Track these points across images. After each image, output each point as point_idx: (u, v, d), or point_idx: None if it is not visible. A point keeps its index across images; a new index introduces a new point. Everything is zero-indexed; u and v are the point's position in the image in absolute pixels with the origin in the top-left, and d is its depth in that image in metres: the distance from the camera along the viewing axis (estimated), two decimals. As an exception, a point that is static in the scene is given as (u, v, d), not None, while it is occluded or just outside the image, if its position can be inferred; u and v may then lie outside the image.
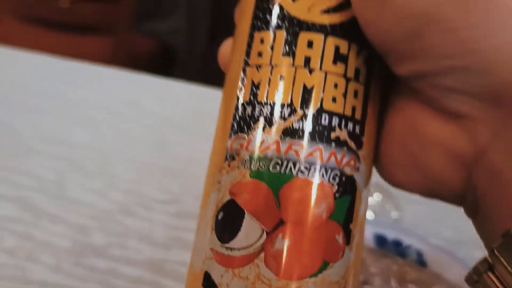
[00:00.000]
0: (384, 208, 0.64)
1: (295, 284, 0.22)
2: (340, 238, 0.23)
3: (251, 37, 0.24)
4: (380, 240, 0.47)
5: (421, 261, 0.46)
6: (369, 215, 0.62)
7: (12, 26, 1.58)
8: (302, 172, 0.22)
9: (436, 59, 0.21)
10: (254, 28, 0.24)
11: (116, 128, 0.77)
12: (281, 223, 0.22)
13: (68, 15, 1.55)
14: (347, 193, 0.23)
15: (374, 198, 0.64)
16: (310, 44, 0.23)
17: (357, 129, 0.23)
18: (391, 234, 0.47)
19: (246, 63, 0.24)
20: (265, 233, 0.22)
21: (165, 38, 1.81)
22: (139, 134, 0.76)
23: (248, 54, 0.24)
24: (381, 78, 0.25)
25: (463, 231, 0.56)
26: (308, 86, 0.23)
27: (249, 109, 0.23)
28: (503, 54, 0.20)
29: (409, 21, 0.21)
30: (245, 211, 0.22)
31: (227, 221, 0.22)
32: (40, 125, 0.75)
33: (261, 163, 0.22)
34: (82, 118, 0.78)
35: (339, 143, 0.23)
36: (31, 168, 0.66)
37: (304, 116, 0.22)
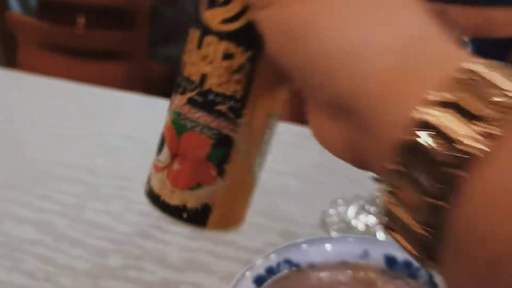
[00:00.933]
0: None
1: (178, 191, 0.36)
2: (213, 172, 0.36)
3: (191, 32, 0.37)
4: (391, 262, 0.48)
5: (432, 283, 0.47)
6: (380, 236, 0.62)
7: (33, 54, 1.63)
8: (194, 127, 0.35)
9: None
10: (194, 27, 0.37)
11: (134, 153, 0.79)
12: (177, 154, 0.36)
13: (83, 40, 1.60)
14: (223, 145, 0.36)
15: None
16: (209, 44, 0.35)
17: (237, 105, 0.35)
18: (401, 255, 0.48)
19: (186, 50, 0.37)
20: (170, 157, 0.37)
21: (179, 63, 1.85)
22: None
23: (187, 44, 0.37)
24: (265, 71, 0.35)
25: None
26: (205, 73, 0.35)
27: (178, 79, 0.37)
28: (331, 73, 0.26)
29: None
30: (165, 142, 0.37)
31: (160, 145, 0.38)
32: (62, 151, 0.78)
33: (175, 115, 0.36)
34: (102, 144, 0.81)
35: (220, 113, 0.35)
36: (52, 193, 0.68)
37: (200, 92, 0.35)
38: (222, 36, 0.35)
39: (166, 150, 0.37)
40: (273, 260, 0.46)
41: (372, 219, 0.65)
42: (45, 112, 0.89)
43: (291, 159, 0.79)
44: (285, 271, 0.46)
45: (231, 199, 0.38)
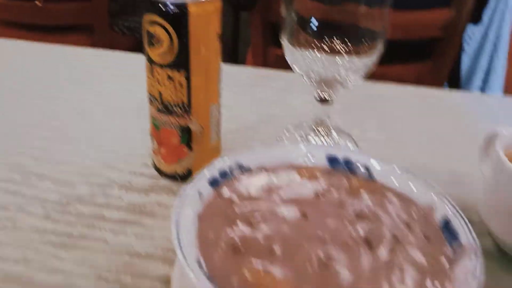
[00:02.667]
0: (340, 143, 0.70)
1: (168, 165, 0.64)
2: (185, 150, 0.62)
3: (145, 63, 0.60)
4: (332, 161, 0.53)
5: (370, 176, 0.51)
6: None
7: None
8: (165, 125, 0.61)
9: None
10: (145, 59, 0.60)
11: (100, 100, 0.82)
12: (161, 143, 0.63)
13: (43, 14, 1.60)
14: (186, 133, 0.61)
15: (333, 136, 0.70)
16: (157, 72, 0.58)
17: (186, 107, 0.59)
18: (341, 155, 0.53)
19: (146, 76, 0.61)
20: (157, 145, 0.64)
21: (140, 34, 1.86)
22: (121, 102, 0.81)
23: (146, 71, 0.61)
24: (198, 81, 0.58)
25: (416, 165, 0.62)
26: (160, 91, 0.59)
27: (148, 95, 0.62)
28: None
29: None
30: (152, 136, 0.64)
31: (151, 138, 0.65)
32: (31, 104, 0.81)
33: (152, 119, 0.62)
34: (68, 94, 0.84)
35: (177, 114, 0.59)
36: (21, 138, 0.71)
37: (161, 104, 0.59)
38: (162, 66, 0.57)
39: (154, 141, 0.63)
40: (227, 165, 0.50)
41: (318, 139, 0.71)
42: (6, 72, 0.91)
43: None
44: (237, 173, 0.51)
45: (203, 162, 0.53)
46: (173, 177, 0.64)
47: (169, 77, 0.57)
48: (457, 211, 0.44)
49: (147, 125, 0.63)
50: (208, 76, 0.59)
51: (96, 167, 0.66)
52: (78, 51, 1.00)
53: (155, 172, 0.65)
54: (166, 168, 0.63)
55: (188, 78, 0.57)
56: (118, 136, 0.74)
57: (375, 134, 0.77)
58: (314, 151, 0.54)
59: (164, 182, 0.63)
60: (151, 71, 0.58)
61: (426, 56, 1.42)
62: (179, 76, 0.56)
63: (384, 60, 0.65)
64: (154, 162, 0.65)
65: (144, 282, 0.49)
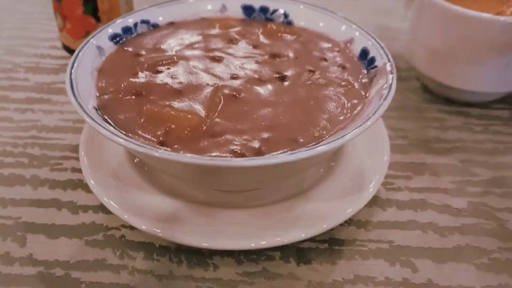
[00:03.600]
0: None
1: (77, 40, 0.57)
2: (93, 20, 0.56)
3: None
4: (248, 10, 0.49)
5: (288, 21, 0.48)
6: None
7: None
8: None
9: None
10: None
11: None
12: (65, 16, 0.56)
13: None
14: (89, 2, 0.54)
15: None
16: None
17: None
18: (258, 3, 0.49)
19: None
20: (62, 20, 0.56)
21: None
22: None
23: None
24: None
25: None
26: None
27: None
28: None
29: None
30: (55, 11, 0.56)
31: (54, 14, 0.57)
32: None
33: None
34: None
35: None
36: None
37: None
38: None
39: (58, 17, 0.57)
40: (130, 21, 0.46)
41: None
42: None
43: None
44: (143, 30, 0.46)
45: None
46: None
47: None
48: (376, 40, 0.42)
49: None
50: None
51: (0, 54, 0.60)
52: None
53: (65, 53, 0.60)
54: (75, 44, 0.58)
55: None
56: (22, 21, 0.67)
57: None
58: (228, 1, 0.50)
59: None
60: None
61: None
62: None
63: None
64: (62, 42, 0.60)
65: (54, 153, 0.45)
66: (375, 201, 0.41)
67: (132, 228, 0.38)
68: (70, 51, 0.59)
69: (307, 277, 0.35)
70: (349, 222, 0.39)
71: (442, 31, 0.49)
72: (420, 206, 0.41)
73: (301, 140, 0.34)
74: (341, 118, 0.36)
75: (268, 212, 0.37)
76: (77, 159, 0.43)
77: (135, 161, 0.41)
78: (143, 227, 0.35)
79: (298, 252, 0.37)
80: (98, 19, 0.56)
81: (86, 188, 0.41)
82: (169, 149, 0.32)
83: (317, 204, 0.38)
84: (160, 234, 0.35)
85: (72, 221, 0.39)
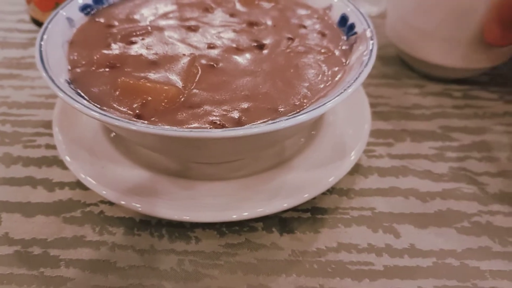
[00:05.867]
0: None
1: (46, 13, 0.55)
2: None
3: None
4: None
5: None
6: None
7: None
8: None
9: None
10: None
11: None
12: None
13: None
14: None
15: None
16: None
17: None
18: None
19: None
20: None
21: None
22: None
23: None
24: None
25: None
26: None
27: None
28: None
29: None
30: None
31: None
32: None
33: None
34: None
35: None
36: None
37: None
38: None
39: None
40: (101, -9, 0.44)
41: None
42: None
43: None
44: (114, 0, 0.45)
45: None
46: None
47: None
48: (355, 7, 0.41)
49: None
50: None
51: (-37, 27, 0.57)
52: None
53: (34, 27, 0.58)
54: (44, 17, 0.56)
55: None
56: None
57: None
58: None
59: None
60: None
61: None
62: None
63: None
64: (30, 15, 0.57)
65: (26, 129, 0.44)
66: (356, 169, 0.41)
67: (111, 203, 0.37)
68: (39, 24, 0.57)
69: (290, 247, 0.35)
70: (331, 190, 0.39)
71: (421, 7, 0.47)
72: (402, 172, 0.41)
73: (282, 109, 0.33)
74: (322, 86, 0.35)
75: (249, 183, 0.37)
76: (51, 135, 0.42)
77: (111, 135, 0.40)
78: (123, 202, 0.34)
79: (281, 222, 0.37)
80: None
81: (61, 164, 0.40)
82: (146, 122, 0.31)
83: (298, 174, 0.38)
84: (140, 209, 0.34)
85: (48, 199, 0.38)
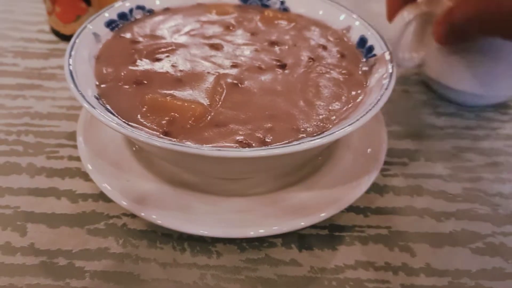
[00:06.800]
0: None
1: (67, 25, 0.56)
2: (83, 4, 0.54)
3: None
4: (244, -5, 0.49)
5: (284, 8, 0.48)
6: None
7: None
8: None
9: None
10: None
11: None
12: (52, 0, 0.55)
13: None
14: None
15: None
16: None
17: None
18: (253, -11, 0.49)
19: None
20: (51, 4, 0.55)
21: None
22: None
23: None
24: None
25: None
26: None
27: None
28: None
29: None
30: None
31: None
32: None
33: None
34: None
35: None
36: None
37: None
38: None
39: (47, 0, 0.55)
40: (126, 6, 0.45)
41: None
42: None
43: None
44: (138, 16, 0.46)
45: None
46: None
47: None
48: (373, 28, 0.42)
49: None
50: None
51: (-15, 37, 0.58)
52: None
53: (54, 37, 0.59)
54: (65, 29, 0.57)
55: None
56: (7, 3, 0.65)
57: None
58: (223, -13, 0.49)
59: (64, 45, 0.57)
60: None
61: None
62: None
63: None
64: (51, 26, 0.58)
65: (49, 140, 0.45)
66: (372, 187, 0.42)
67: (133, 216, 0.38)
68: (59, 35, 0.58)
69: (309, 263, 0.36)
70: (348, 208, 0.40)
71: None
72: (416, 191, 0.42)
73: (304, 129, 0.34)
74: (344, 108, 0.36)
75: (267, 200, 0.38)
76: (73, 146, 0.43)
77: (134, 149, 0.41)
78: (142, 214, 0.35)
79: (299, 238, 0.37)
80: (88, 3, 0.55)
81: (84, 176, 0.41)
82: (175, 139, 0.32)
83: (316, 193, 0.38)
84: (159, 222, 0.35)
85: (72, 210, 0.38)
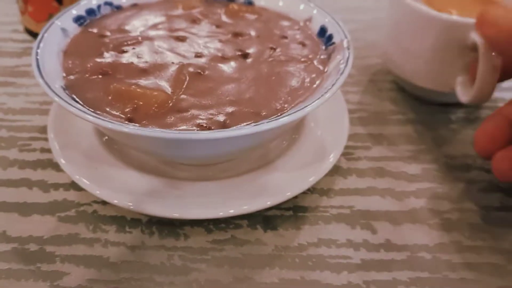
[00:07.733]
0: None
1: (39, 23, 0.57)
2: (55, 3, 0.56)
3: None
4: (210, -10, 0.50)
5: (248, 1, 0.50)
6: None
7: None
8: None
9: None
10: None
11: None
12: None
13: None
14: None
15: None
16: None
17: None
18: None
19: None
20: (23, 3, 0.56)
21: None
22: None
23: None
24: None
25: None
26: None
27: None
28: None
29: None
30: None
31: None
32: None
33: None
34: None
35: None
36: None
37: None
38: None
39: None
40: (94, 3, 0.46)
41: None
42: None
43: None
44: (106, 12, 0.47)
45: None
46: None
47: None
48: (333, 19, 0.44)
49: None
50: None
51: (-42, 38, 0.59)
52: None
53: (28, 36, 0.60)
54: (38, 27, 0.58)
55: None
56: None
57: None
58: (190, -17, 0.50)
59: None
60: None
61: None
62: None
63: None
64: (24, 25, 0.59)
65: (21, 134, 0.46)
66: (336, 171, 0.43)
67: (104, 203, 0.39)
68: (33, 34, 0.59)
69: (273, 242, 0.37)
70: (312, 190, 0.42)
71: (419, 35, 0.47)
72: (379, 173, 0.44)
73: (264, 113, 0.35)
74: (301, 92, 0.38)
75: (235, 183, 0.39)
76: (46, 139, 0.44)
77: (104, 139, 0.42)
78: (115, 201, 0.36)
79: (264, 219, 0.39)
80: (60, 2, 0.56)
81: (56, 167, 0.42)
82: (137, 124, 0.34)
83: (281, 174, 0.40)
84: (131, 207, 0.36)
85: (44, 199, 0.39)
